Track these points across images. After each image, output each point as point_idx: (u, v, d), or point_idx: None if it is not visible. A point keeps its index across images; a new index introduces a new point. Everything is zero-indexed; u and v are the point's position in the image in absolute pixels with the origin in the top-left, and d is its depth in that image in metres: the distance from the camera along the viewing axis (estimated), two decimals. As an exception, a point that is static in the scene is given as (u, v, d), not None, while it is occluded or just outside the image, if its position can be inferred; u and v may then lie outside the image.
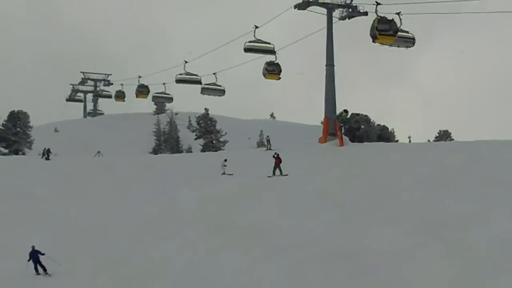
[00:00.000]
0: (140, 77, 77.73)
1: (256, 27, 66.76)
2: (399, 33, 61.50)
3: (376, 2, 60.57)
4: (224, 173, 52.50)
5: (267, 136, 69.52)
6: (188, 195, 44.14)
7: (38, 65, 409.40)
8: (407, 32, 62.50)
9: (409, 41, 63.10)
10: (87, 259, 34.50)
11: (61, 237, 38.37)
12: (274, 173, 48.62)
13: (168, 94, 74.98)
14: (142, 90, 79.27)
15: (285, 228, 34.26)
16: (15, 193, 47.90)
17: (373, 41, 59.86)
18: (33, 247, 33.31)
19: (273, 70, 68.44)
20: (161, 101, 74.92)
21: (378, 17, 59.91)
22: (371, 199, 36.96)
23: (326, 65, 67.75)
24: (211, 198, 44.17)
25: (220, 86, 73.56)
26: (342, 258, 28.46)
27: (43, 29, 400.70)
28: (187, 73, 72.61)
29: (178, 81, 72.49)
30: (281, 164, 48.78)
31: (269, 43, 68.13)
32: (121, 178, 55.15)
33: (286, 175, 47.55)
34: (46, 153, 72.05)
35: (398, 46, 63.31)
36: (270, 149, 66.60)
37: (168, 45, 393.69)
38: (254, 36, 67.03)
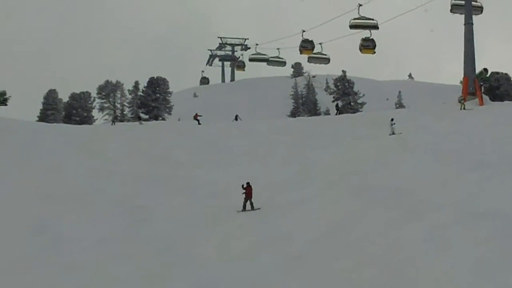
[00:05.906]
0: (304, 31, 76.66)
1: None
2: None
3: None
4: (393, 133, 51.58)
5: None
6: (328, 157, 44.21)
7: (177, 33, 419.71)
8: (475, 1, 66.40)
9: (478, 10, 66.61)
10: (227, 220, 35.52)
11: (201, 199, 39.46)
12: (244, 207, 38.08)
13: (325, 55, 74.64)
14: (306, 46, 78.06)
15: (423, 189, 33.90)
16: (155, 158, 49.01)
17: None
18: None
19: (368, 46, 69.17)
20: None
21: None
22: (513, 159, 36.16)
23: (464, 24, 66.55)
24: (349, 160, 44.26)
25: (325, 55, 74.25)
26: (484, 220, 27.90)
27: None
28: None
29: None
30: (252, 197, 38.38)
31: None
32: (260, 141, 55.73)
33: (258, 208, 37.93)
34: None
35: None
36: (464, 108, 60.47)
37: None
38: None
